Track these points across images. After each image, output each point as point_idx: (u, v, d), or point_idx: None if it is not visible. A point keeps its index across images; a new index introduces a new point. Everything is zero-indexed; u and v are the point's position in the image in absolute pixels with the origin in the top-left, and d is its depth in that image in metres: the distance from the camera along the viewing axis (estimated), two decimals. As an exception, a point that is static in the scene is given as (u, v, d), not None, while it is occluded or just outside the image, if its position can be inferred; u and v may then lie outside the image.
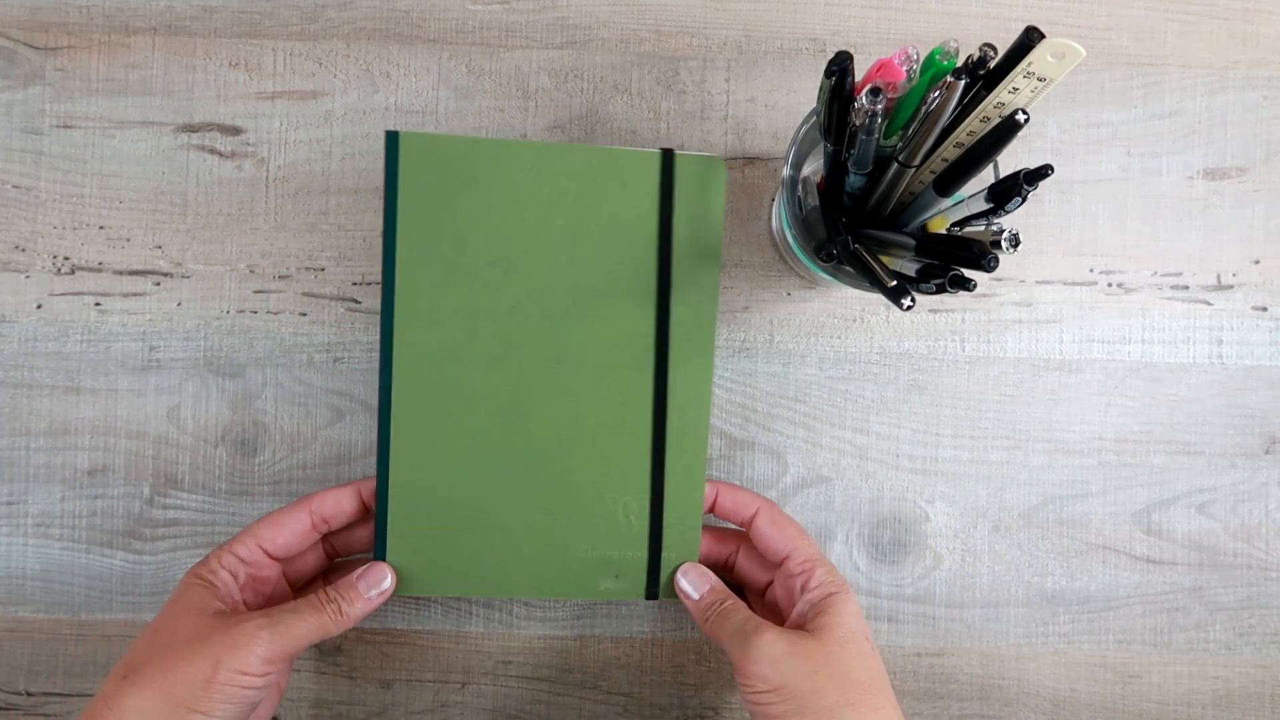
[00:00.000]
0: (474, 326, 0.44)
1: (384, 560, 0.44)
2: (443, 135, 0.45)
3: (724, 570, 0.47)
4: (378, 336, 0.49)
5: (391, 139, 0.43)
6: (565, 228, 0.44)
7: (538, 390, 0.44)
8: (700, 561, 0.46)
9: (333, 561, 0.47)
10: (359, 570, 0.43)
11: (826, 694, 0.38)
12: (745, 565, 0.46)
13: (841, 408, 0.49)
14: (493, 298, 0.44)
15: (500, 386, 0.44)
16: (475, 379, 0.44)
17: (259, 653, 0.38)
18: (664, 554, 0.46)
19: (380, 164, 0.49)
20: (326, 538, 0.46)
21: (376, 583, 0.43)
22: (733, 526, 0.47)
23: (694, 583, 0.44)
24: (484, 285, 0.44)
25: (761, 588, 0.46)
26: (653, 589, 0.46)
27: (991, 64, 0.33)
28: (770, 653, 0.39)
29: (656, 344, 0.45)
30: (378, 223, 0.49)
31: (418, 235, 0.43)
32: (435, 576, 0.45)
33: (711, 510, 0.46)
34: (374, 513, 0.45)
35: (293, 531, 0.43)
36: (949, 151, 0.36)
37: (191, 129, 0.49)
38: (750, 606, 0.44)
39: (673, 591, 0.45)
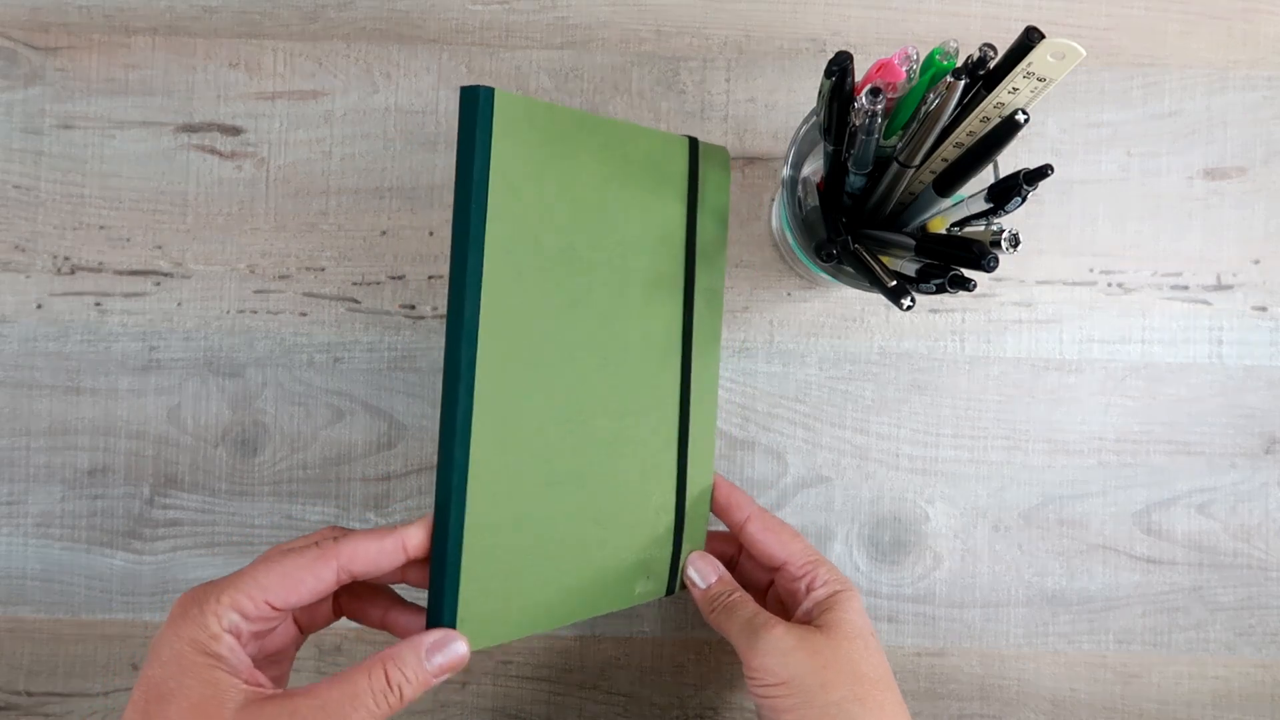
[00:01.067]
0: (547, 326, 0.38)
1: (453, 627, 0.36)
2: (532, 98, 0.39)
3: (728, 568, 0.47)
4: (378, 337, 0.49)
5: (484, 96, 0.35)
6: (617, 212, 0.40)
7: (593, 392, 0.40)
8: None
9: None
10: (427, 642, 0.35)
11: (834, 689, 0.38)
12: (747, 565, 0.46)
13: (841, 408, 0.49)
14: (563, 291, 0.39)
15: (564, 392, 0.39)
16: (545, 387, 0.38)
17: None
18: (684, 545, 0.44)
19: (381, 163, 0.49)
20: None
21: (449, 657, 0.35)
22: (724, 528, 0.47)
23: (701, 571, 0.44)
24: (555, 277, 0.38)
25: (764, 587, 0.46)
26: (672, 583, 0.45)
27: (991, 64, 0.33)
28: (779, 647, 0.39)
29: (683, 332, 0.43)
30: (378, 222, 0.49)
31: (504, 220, 0.36)
32: (498, 628, 0.38)
33: None
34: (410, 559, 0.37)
35: (312, 590, 0.34)
36: (949, 151, 0.36)
37: (191, 129, 0.49)
38: None
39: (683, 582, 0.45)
